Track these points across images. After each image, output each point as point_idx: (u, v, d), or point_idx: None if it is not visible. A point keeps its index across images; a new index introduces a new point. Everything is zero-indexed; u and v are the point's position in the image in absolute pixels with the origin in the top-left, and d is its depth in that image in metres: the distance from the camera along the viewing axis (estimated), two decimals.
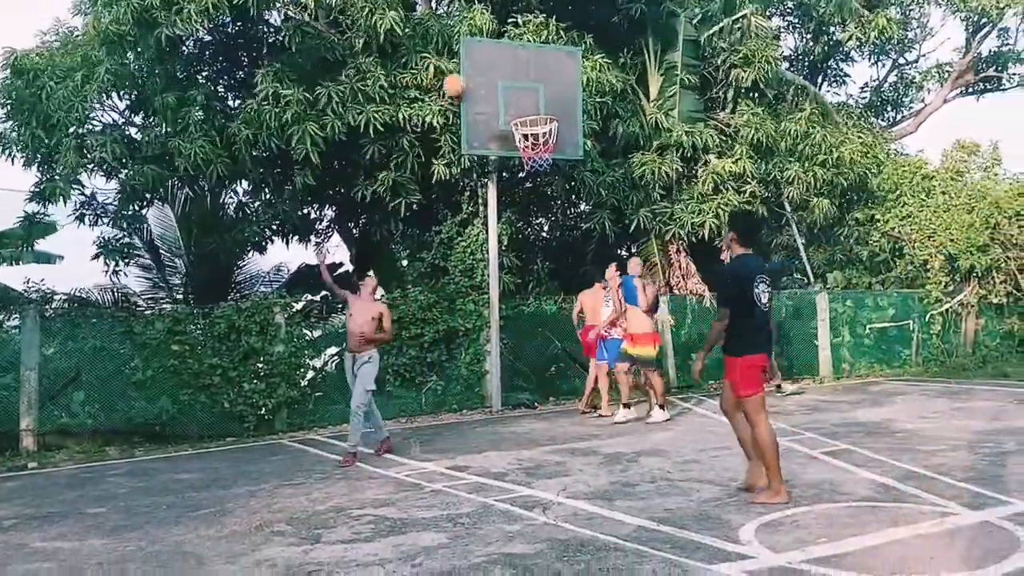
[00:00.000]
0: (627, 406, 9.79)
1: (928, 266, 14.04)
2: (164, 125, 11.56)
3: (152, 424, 9.37)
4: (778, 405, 10.69)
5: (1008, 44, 19.03)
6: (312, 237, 15.33)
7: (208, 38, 13.71)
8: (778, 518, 5.34)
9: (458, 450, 8.25)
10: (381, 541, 5.14)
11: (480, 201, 12.19)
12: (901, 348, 14.08)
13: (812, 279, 14.65)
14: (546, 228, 17.36)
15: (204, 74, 13.77)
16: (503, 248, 11.83)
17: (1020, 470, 6.39)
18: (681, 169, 13.27)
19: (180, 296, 14.52)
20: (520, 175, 14.54)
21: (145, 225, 14.19)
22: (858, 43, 16.86)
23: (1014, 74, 19.34)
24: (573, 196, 15.05)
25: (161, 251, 14.71)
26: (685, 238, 13.30)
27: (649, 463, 7.31)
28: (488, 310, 11.25)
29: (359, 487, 6.70)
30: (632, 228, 13.27)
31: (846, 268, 14.92)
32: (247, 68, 13.47)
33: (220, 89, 13.86)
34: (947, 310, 13.96)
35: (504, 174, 13.55)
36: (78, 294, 13.52)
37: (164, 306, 13.21)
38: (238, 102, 13.04)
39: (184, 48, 13.10)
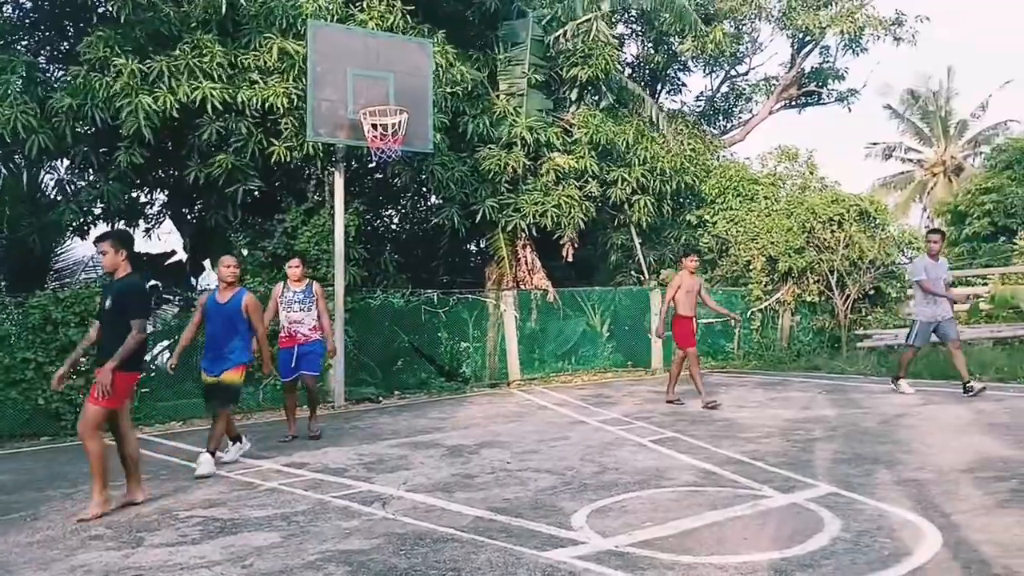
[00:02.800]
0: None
1: (751, 266, 15.07)
2: None
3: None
4: (613, 396, 11.17)
5: (828, 61, 20.67)
6: (141, 222, 14.43)
7: (29, 4, 12.59)
8: (608, 504, 5.59)
9: (296, 447, 8.04)
10: (209, 543, 4.94)
11: (327, 190, 11.92)
12: (725, 342, 15.04)
13: (647, 276, 15.37)
14: (396, 220, 17.25)
15: (24, 43, 12.63)
16: (350, 240, 11.63)
17: (826, 456, 6.99)
18: (527, 164, 13.58)
19: None
20: (369, 165, 14.35)
21: None
22: (694, 54, 17.84)
23: (833, 89, 21.03)
24: (423, 189, 15.04)
25: None
26: (526, 229, 13.63)
27: (490, 455, 7.42)
28: (333, 303, 11.01)
29: (187, 487, 6.40)
30: (479, 220, 13.42)
31: (677, 266, 15.76)
32: (73, 39, 12.47)
33: (42, 60, 12.76)
34: (766, 307, 15.04)
35: (352, 164, 13.33)
36: None
37: None
38: (62, 74, 12.07)
39: (2, 12, 11.96)
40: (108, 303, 5.67)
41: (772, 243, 14.84)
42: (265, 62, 11.12)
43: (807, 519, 5.13)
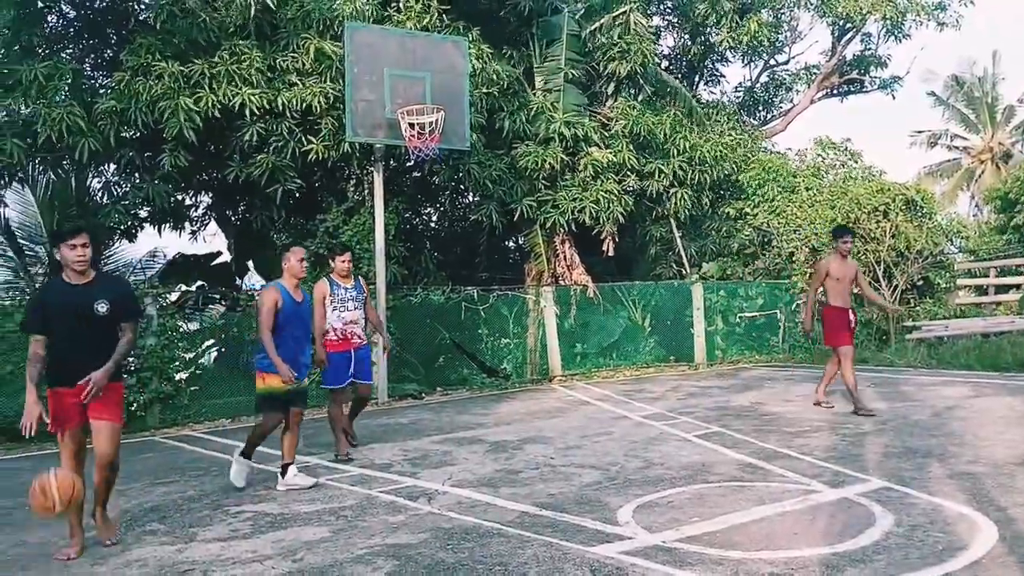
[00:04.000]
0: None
1: (794, 258, 14.85)
2: (27, 102, 10.78)
3: (12, 421, 8.74)
4: (656, 391, 11.11)
5: (870, 48, 20.28)
6: (187, 224, 14.72)
7: (73, 13, 12.89)
8: (654, 499, 5.56)
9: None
10: (260, 537, 5.02)
11: (366, 189, 12.02)
12: (769, 335, 14.85)
13: (688, 270, 15.25)
14: (434, 218, 17.33)
15: (69, 51, 12.95)
16: (390, 238, 11.71)
17: (877, 449, 6.88)
18: (565, 159, 13.54)
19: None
20: (407, 164, 14.44)
21: (3, 209, 13.25)
22: (731, 45, 17.63)
23: (875, 77, 20.63)
24: (461, 187, 15.09)
25: (21, 239, 13.75)
26: (566, 226, 13.59)
27: (533, 450, 7.43)
28: (375, 300, 11.10)
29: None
30: (516, 217, 13.42)
31: (717, 259, 15.61)
32: (115, 47, 12.75)
33: (86, 67, 13.07)
34: None
35: (391, 163, 13.42)
36: None
37: (26, 297, 12.33)
38: (107, 81, 12.35)
39: (47, 22, 12.27)
40: (103, 307, 4.81)
41: (815, 234, 14.62)
42: (303, 64, 11.25)
43: (858, 514, 5.05)
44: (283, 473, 6.29)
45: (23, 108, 10.87)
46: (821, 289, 8.99)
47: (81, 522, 4.86)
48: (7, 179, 12.39)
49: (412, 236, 15.14)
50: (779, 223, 15.16)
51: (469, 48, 11.79)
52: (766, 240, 15.42)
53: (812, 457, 6.62)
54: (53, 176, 13.05)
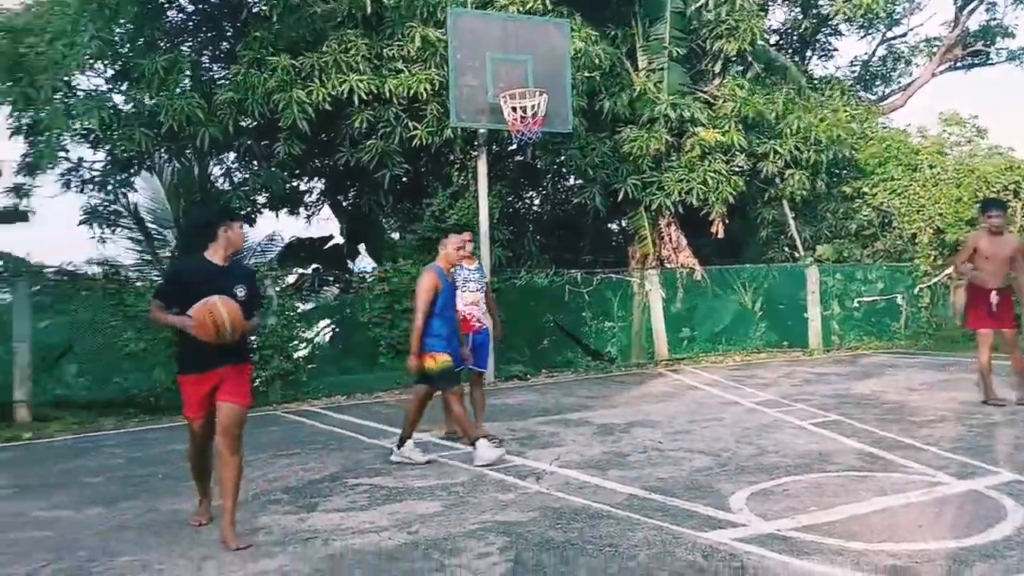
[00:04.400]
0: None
1: (916, 240, 14.13)
2: (151, 94, 11.42)
3: (146, 395, 9.37)
4: (768, 377, 10.81)
5: (996, 18, 19.03)
6: (302, 209, 15.28)
7: (191, 8, 13.53)
8: (768, 487, 5.43)
9: (452, 421, 8.28)
10: (377, 509, 5.19)
11: (470, 174, 12.16)
12: (890, 321, 14.19)
13: (802, 252, 14.74)
14: (537, 202, 17.36)
15: (188, 44, 13.61)
16: (494, 221, 11.82)
17: (1007, 441, 6.50)
18: (670, 141, 13.26)
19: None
20: (510, 148, 14.50)
21: (132, 195, 14.10)
22: (846, 17, 16.82)
23: (1001, 48, 19.35)
24: (563, 170, 15.05)
25: (149, 223, 14.61)
26: (671, 207, 13.33)
27: (641, 434, 7.38)
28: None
29: (355, 458, 6.75)
30: (620, 199, 13.27)
31: (834, 241, 15.00)
32: (231, 39, 13.32)
33: (205, 60, 13.71)
34: (935, 284, 14.07)
35: (494, 147, 13.51)
36: (69, 267, 13.44)
37: (155, 278, 13.11)
38: (224, 73, 12.93)
39: (167, 16, 12.93)
40: (241, 292, 4.68)
41: (940, 215, 13.86)
42: (408, 51, 11.44)
43: (988, 507, 4.80)
44: (400, 444, 6.46)
45: (148, 99, 11.51)
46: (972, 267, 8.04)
47: (209, 490, 4.98)
48: (136, 167, 13.18)
49: (515, 220, 15.22)
50: (900, 203, 14.44)
51: (571, 30, 11.71)
52: (886, 221, 14.72)
53: (938, 448, 6.31)
54: (177, 164, 13.78)
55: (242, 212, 13.19)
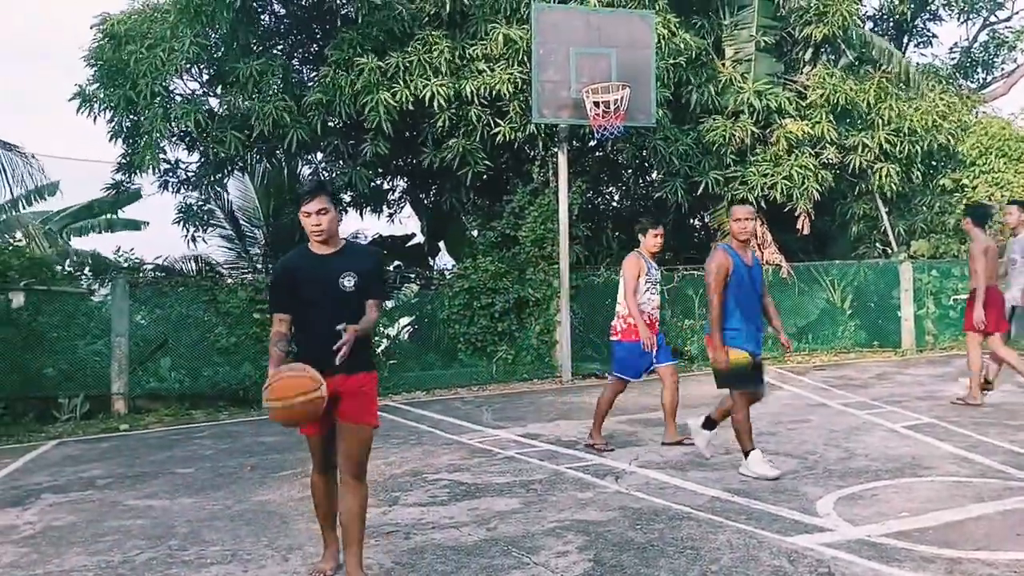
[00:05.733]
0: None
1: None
2: (244, 96, 11.82)
3: (236, 389, 9.72)
4: (857, 378, 10.44)
5: None
6: (384, 207, 15.56)
7: (283, 11, 13.92)
8: (857, 492, 5.24)
9: (529, 418, 8.32)
10: (456, 505, 5.24)
11: (550, 170, 12.14)
12: None
13: (895, 248, 14.15)
14: (616, 197, 17.19)
15: (279, 47, 14.02)
16: (574, 218, 11.77)
17: None
18: (756, 132, 12.93)
19: (260, 266, 14.95)
20: (590, 143, 14.41)
21: (225, 195, 14.65)
22: (946, 1, 16.05)
23: None
24: (644, 164, 14.85)
25: (241, 222, 15.15)
26: (755, 203, 12.98)
27: (723, 435, 7.17)
28: (558, 280, 11.23)
29: (434, 453, 6.83)
30: (700, 193, 13.00)
31: (930, 236, 14.34)
32: (320, 41, 13.66)
33: (295, 63, 14.10)
34: None
35: (574, 142, 13.45)
36: (165, 263, 14.08)
37: (245, 276, 13.59)
38: (313, 74, 13.27)
39: (260, 21, 13.35)
40: (349, 282, 3.96)
41: None
42: (491, 50, 11.49)
43: None
44: (746, 456, 5.73)
45: (241, 102, 11.92)
46: None
47: (335, 535, 4.17)
48: (229, 168, 13.67)
49: (594, 215, 15.12)
50: (1002, 196, 13.70)
51: (656, 18, 11.54)
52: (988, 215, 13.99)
53: None
54: (267, 165, 14.24)
55: None
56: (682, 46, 12.16)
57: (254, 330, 9.78)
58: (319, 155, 13.45)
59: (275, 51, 13.52)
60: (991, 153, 14.30)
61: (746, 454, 5.74)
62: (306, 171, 14.47)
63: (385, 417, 8.77)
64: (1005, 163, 14.09)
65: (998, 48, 19.48)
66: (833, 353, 12.74)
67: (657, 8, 12.05)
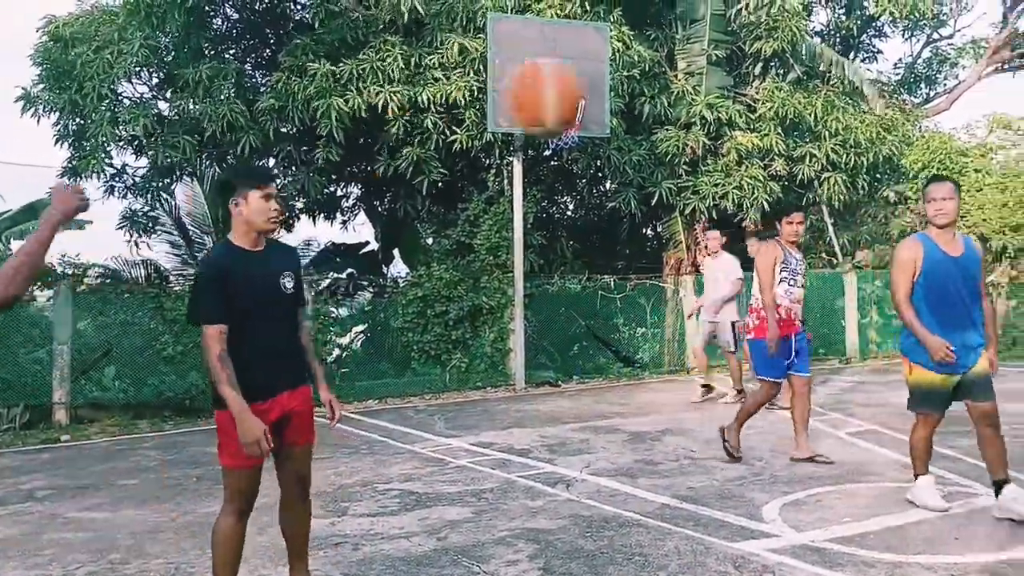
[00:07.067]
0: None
1: None
2: (194, 101, 11.65)
3: (182, 398, 9.53)
4: None
5: None
6: (338, 214, 15.44)
7: (236, 15, 13.76)
8: (802, 497, 5.34)
9: (482, 427, 8.31)
10: (407, 515, 5.21)
11: (505, 179, 12.18)
12: None
13: (840, 258, 14.49)
14: (571, 207, 17.32)
15: (232, 52, 13.85)
16: (528, 227, 11.82)
17: None
18: (707, 144, 13.15)
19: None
20: (546, 152, 14.50)
21: (173, 201, 14.37)
22: (891, 18, 16.53)
23: None
24: (599, 174, 15.00)
25: (190, 228, 14.89)
26: (706, 212, 13.21)
27: (673, 442, 7.31)
28: (513, 288, 11.26)
29: (385, 462, 6.78)
30: (654, 203, 13.17)
31: (874, 246, 14.73)
32: (274, 47, 13.53)
33: (247, 67, 13.94)
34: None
35: (530, 152, 13.52)
36: (110, 266, 13.75)
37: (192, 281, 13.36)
38: (266, 80, 13.13)
39: (213, 25, 13.18)
40: (289, 282, 3.53)
41: (984, 220, 13.55)
42: (447, 59, 11.50)
43: None
44: (996, 492, 4.78)
45: (192, 106, 11.73)
46: None
47: None
48: (178, 174, 13.43)
49: (549, 224, 15.22)
50: None
51: (610, 30, 11.67)
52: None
53: (976, 459, 6.10)
54: (218, 170, 14.02)
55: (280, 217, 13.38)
56: (636, 58, 12.34)
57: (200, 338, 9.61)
58: (271, 161, 13.28)
59: (227, 55, 13.37)
60: (933, 166, 14.74)
61: (916, 476, 5.06)
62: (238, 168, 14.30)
63: (335, 427, 8.67)
64: (946, 175, 14.52)
65: (940, 64, 20.12)
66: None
67: (612, 20, 12.19)
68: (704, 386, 9.64)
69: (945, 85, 20.17)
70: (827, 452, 6.53)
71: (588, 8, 12.07)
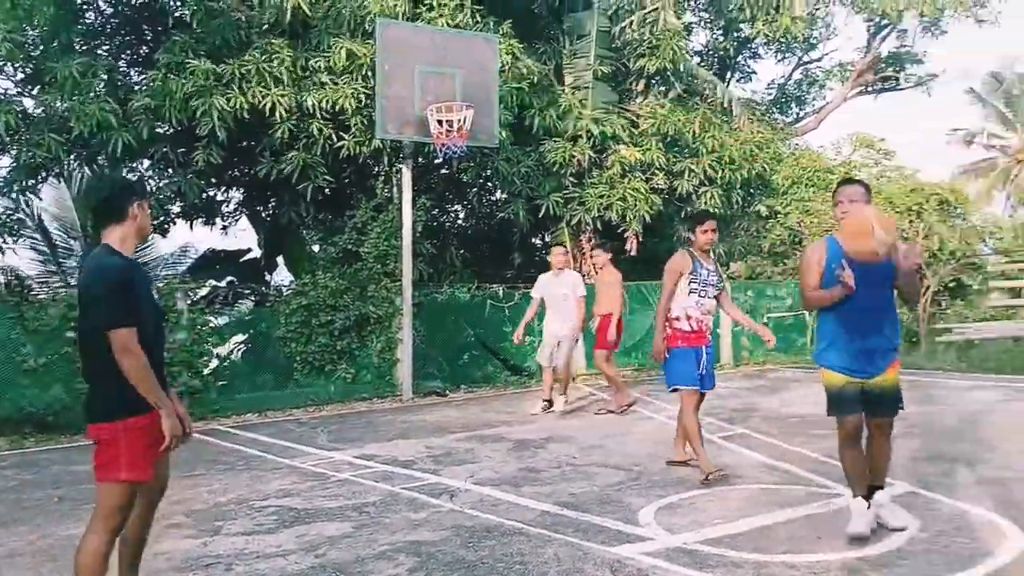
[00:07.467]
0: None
1: None
2: (63, 98, 11.00)
3: (44, 414, 8.95)
4: None
5: (906, 45, 19.99)
6: (218, 220, 14.91)
7: (110, 10, 13.13)
8: (676, 501, 5.54)
9: (367, 439, 8.20)
10: (284, 532, 5.08)
11: (395, 186, 12.09)
12: (797, 336, 14.69)
13: None
14: (462, 216, 17.39)
15: (105, 48, 13.18)
16: (418, 235, 11.77)
17: (904, 454, 6.68)
18: (593, 157, 13.49)
19: (75, 281, 13.90)
20: (436, 161, 14.49)
21: (38, 205, 13.53)
22: (765, 40, 17.45)
23: (911, 74, 20.33)
24: (489, 184, 15.12)
25: (55, 233, 14.05)
26: (592, 223, 13.54)
27: (556, 449, 7.43)
28: (401, 297, 11.18)
29: (263, 478, 6.58)
30: (542, 214, 13.40)
31: (747, 258, 15.47)
32: (151, 44, 12.97)
33: (122, 64, 13.30)
34: None
35: (420, 160, 13.48)
36: None
37: (59, 291, 12.59)
38: (142, 78, 12.57)
39: (85, 19, 12.51)
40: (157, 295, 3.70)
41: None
42: (334, 63, 11.33)
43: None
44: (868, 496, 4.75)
45: (60, 104, 11.09)
46: None
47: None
48: (44, 175, 12.64)
49: (439, 233, 15.21)
50: (811, 222, 14.99)
51: (500, 43, 11.80)
52: (797, 240, 15.26)
53: (836, 460, 6.49)
54: (88, 171, 13.30)
55: (155, 222, 12.81)
56: (525, 71, 12.51)
57: (66, 349, 9.06)
58: (146, 162, 12.71)
59: (100, 51, 12.72)
60: (802, 183, 15.62)
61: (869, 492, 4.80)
62: (131, 179, 13.63)
63: (211, 443, 8.39)
64: (814, 192, 15.42)
65: (810, 86, 21.35)
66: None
67: (502, 33, 12.33)
68: (548, 400, 9.59)
69: (814, 105, 21.43)
70: (693, 456, 6.77)
71: (480, 20, 12.16)
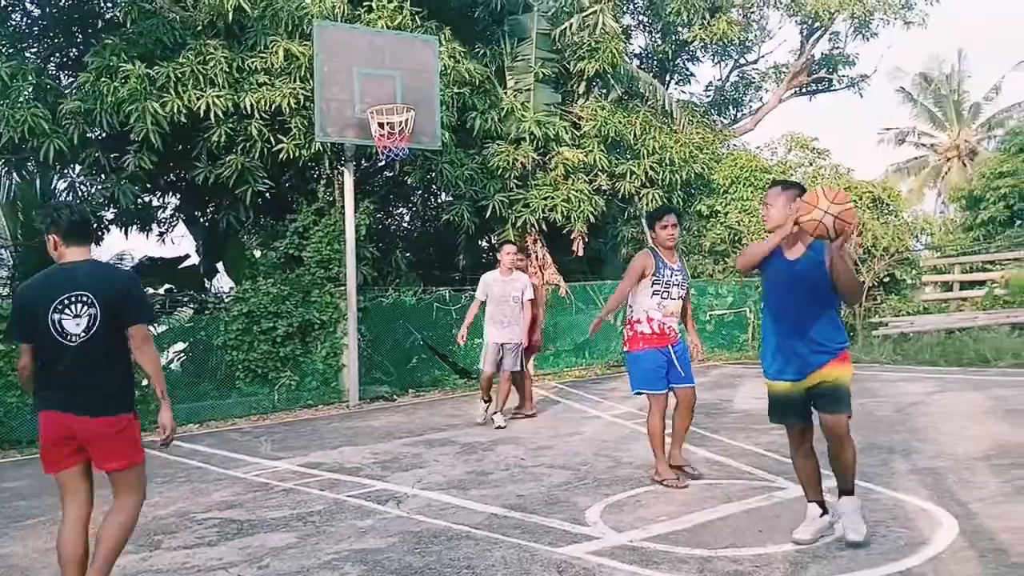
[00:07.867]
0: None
1: None
2: None
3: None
4: (627, 390, 11.13)
5: (839, 47, 20.50)
6: (154, 226, 14.54)
7: (37, 12, 12.70)
8: (623, 499, 5.59)
9: (312, 447, 8.09)
10: (226, 544, 4.97)
11: (337, 190, 11.96)
12: (739, 333, 14.97)
13: None
14: (407, 219, 17.28)
15: (33, 51, 12.75)
16: (361, 238, 11.66)
17: None
18: (536, 159, 13.55)
19: (6, 292, 13.40)
20: (379, 164, 14.38)
21: None
22: (702, 44, 17.73)
23: (844, 75, 20.87)
24: (433, 186, 15.05)
25: None
26: (537, 225, 13.60)
27: (504, 451, 7.44)
28: (345, 302, 11.06)
29: (204, 490, 6.44)
30: (488, 215, 13.41)
31: (688, 257, 15.71)
32: (81, 46, 12.58)
33: (51, 67, 12.88)
34: None
35: (362, 163, 13.35)
36: None
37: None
38: (72, 81, 12.18)
39: (10, 21, 12.08)
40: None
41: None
42: (272, 64, 11.15)
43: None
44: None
45: None
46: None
47: None
48: None
49: (384, 236, 15.09)
50: (750, 221, 15.30)
51: (440, 46, 11.76)
52: (737, 238, 15.55)
53: (778, 454, 6.68)
54: (17, 178, 12.86)
55: None
56: (466, 74, 12.50)
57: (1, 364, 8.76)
58: (77, 168, 12.30)
59: (28, 54, 12.30)
60: (740, 182, 15.92)
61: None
62: (61, 185, 13.20)
63: (151, 455, 8.07)
64: (752, 191, 15.74)
65: (746, 88, 21.76)
66: (607, 366, 13.54)
67: (444, 37, 12.29)
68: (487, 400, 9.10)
69: (750, 107, 21.84)
70: (640, 454, 6.86)
71: (420, 23, 12.11)
